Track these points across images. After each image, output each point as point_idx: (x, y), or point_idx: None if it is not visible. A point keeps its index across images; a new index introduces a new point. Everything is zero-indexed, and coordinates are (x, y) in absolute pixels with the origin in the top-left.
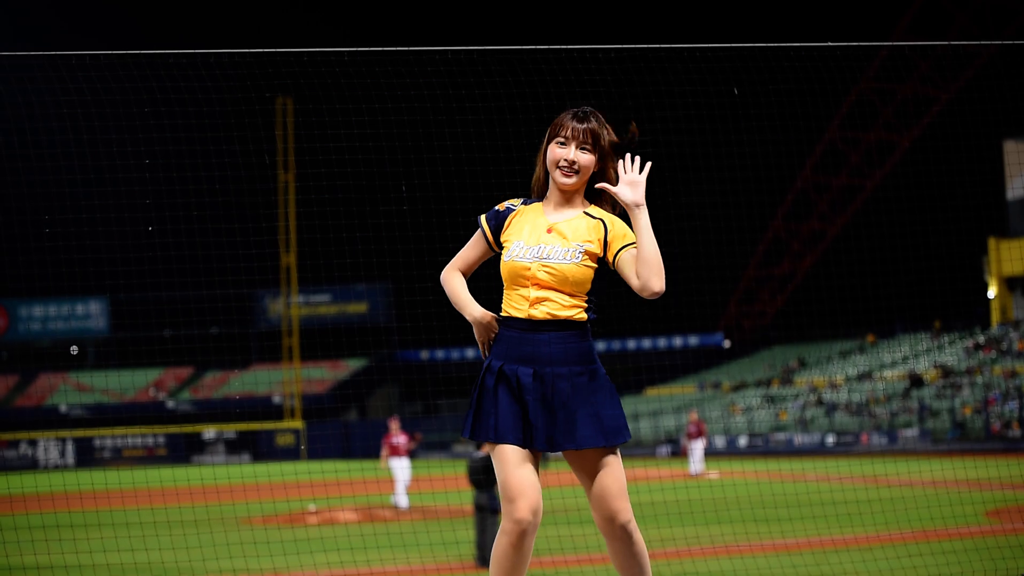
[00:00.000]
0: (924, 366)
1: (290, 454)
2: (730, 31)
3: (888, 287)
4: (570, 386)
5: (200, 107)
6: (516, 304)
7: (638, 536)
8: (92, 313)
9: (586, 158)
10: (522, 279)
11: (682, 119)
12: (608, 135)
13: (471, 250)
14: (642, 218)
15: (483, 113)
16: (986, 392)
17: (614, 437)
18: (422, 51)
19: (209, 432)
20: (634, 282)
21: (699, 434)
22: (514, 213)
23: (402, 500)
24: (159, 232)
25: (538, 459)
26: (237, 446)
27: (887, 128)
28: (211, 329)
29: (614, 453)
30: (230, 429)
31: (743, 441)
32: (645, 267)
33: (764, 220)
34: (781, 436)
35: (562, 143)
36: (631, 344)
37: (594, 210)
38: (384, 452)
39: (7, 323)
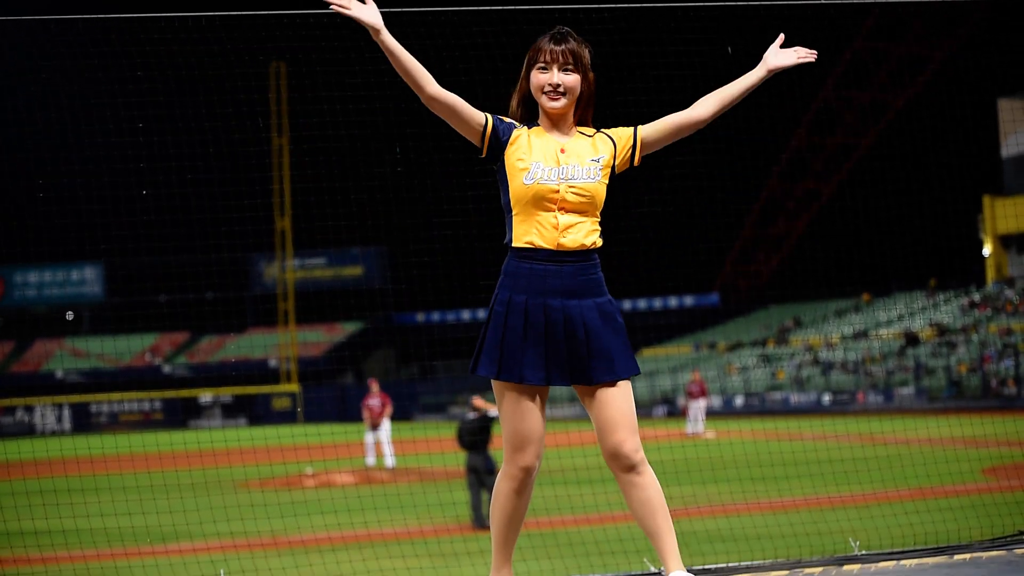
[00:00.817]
0: (920, 324)
1: (286, 417)
2: None
3: (883, 246)
4: (599, 317)
5: (194, 71)
6: (540, 232)
7: (651, 472)
8: (87, 279)
9: (571, 79)
10: (547, 203)
11: (676, 78)
12: (585, 50)
13: (467, 109)
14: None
15: (476, 74)
16: (982, 350)
17: (635, 366)
18: (415, 12)
19: (205, 396)
20: (682, 119)
21: (701, 394)
22: (518, 130)
23: (369, 460)
24: (153, 197)
25: (546, 400)
26: (233, 410)
27: (882, 87)
28: (206, 294)
29: (625, 385)
30: (226, 393)
31: (739, 401)
32: (717, 102)
33: (759, 180)
34: (777, 395)
35: (543, 68)
36: (627, 304)
37: (585, 129)
38: (366, 414)
39: (3, 290)
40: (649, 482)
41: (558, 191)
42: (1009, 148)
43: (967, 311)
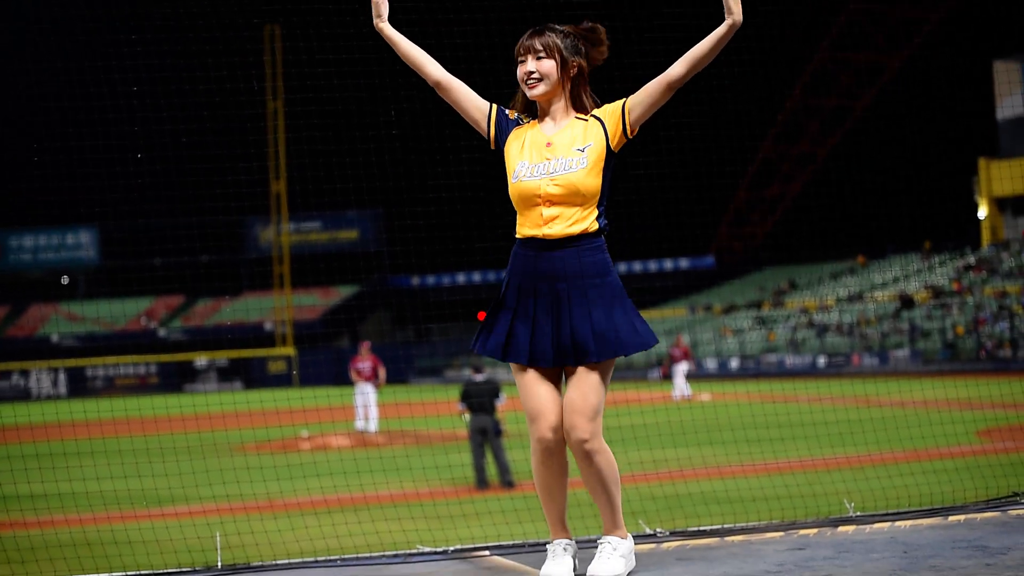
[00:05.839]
0: (915, 287)
1: (282, 381)
2: None
3: (878, 208)
4: (584, 299)
5: (188, 33)
6: (530, 224)
7: (600, 460)
8: (82, 243)
9: (545, 64)
10: (533, 199)
11: (671, 40)
12: (561, 39)
13: (472, 99)
14: (725, 30)
15: (472, 37)
16: (976, 312)
17: (623, 347)
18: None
19: (201, 360)
20: (661, 80)
21: (684, 357)
22: (517, 128)
23: (359, 424)
24: (148, 160)
25: (559, 374)
26: (229, 373)
27: (877, 49)
28: (202, 257)
29: (597, 370)
30: (222, 357)
31: (734, 363)
32: (689, 60)
33: (754, 142)
34: (772, 358)
35: (521, 60)
36: (622, 267)
37: (582, 114)
38: (354, 375)
39: None
40: (597, 471)
41: (540, 187)
42: (1004, 110)
43: (962, 273)
